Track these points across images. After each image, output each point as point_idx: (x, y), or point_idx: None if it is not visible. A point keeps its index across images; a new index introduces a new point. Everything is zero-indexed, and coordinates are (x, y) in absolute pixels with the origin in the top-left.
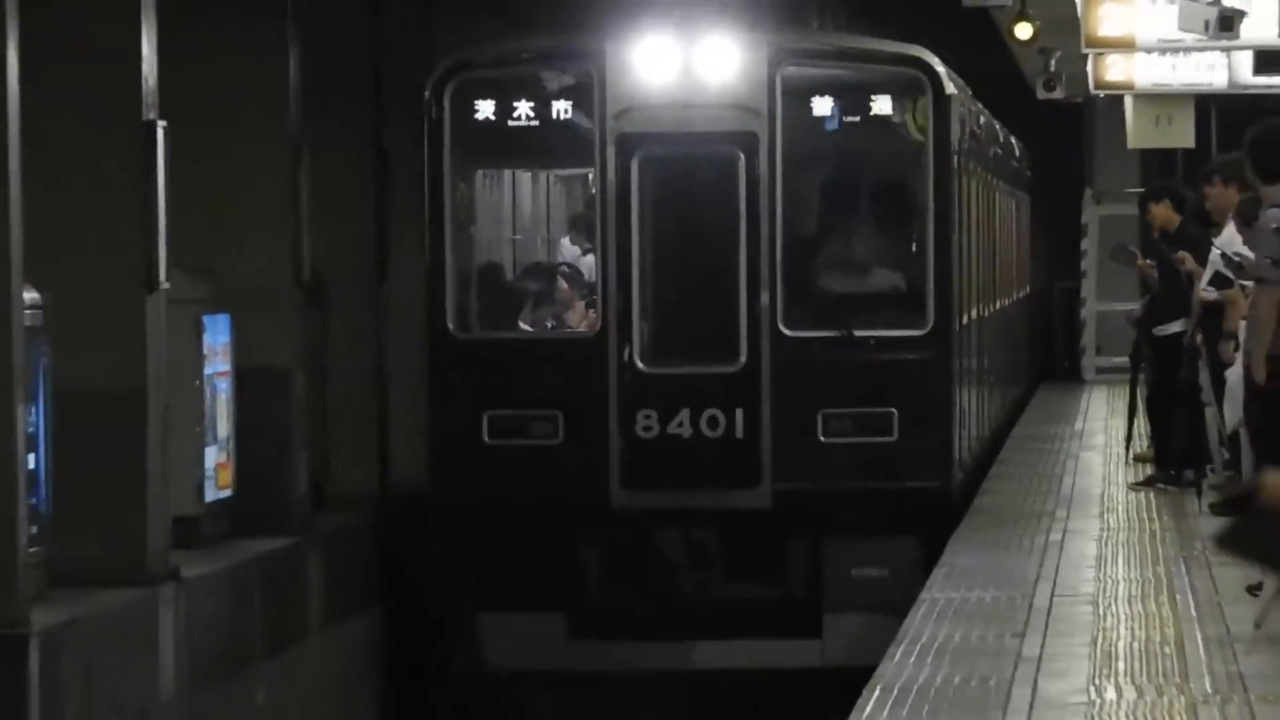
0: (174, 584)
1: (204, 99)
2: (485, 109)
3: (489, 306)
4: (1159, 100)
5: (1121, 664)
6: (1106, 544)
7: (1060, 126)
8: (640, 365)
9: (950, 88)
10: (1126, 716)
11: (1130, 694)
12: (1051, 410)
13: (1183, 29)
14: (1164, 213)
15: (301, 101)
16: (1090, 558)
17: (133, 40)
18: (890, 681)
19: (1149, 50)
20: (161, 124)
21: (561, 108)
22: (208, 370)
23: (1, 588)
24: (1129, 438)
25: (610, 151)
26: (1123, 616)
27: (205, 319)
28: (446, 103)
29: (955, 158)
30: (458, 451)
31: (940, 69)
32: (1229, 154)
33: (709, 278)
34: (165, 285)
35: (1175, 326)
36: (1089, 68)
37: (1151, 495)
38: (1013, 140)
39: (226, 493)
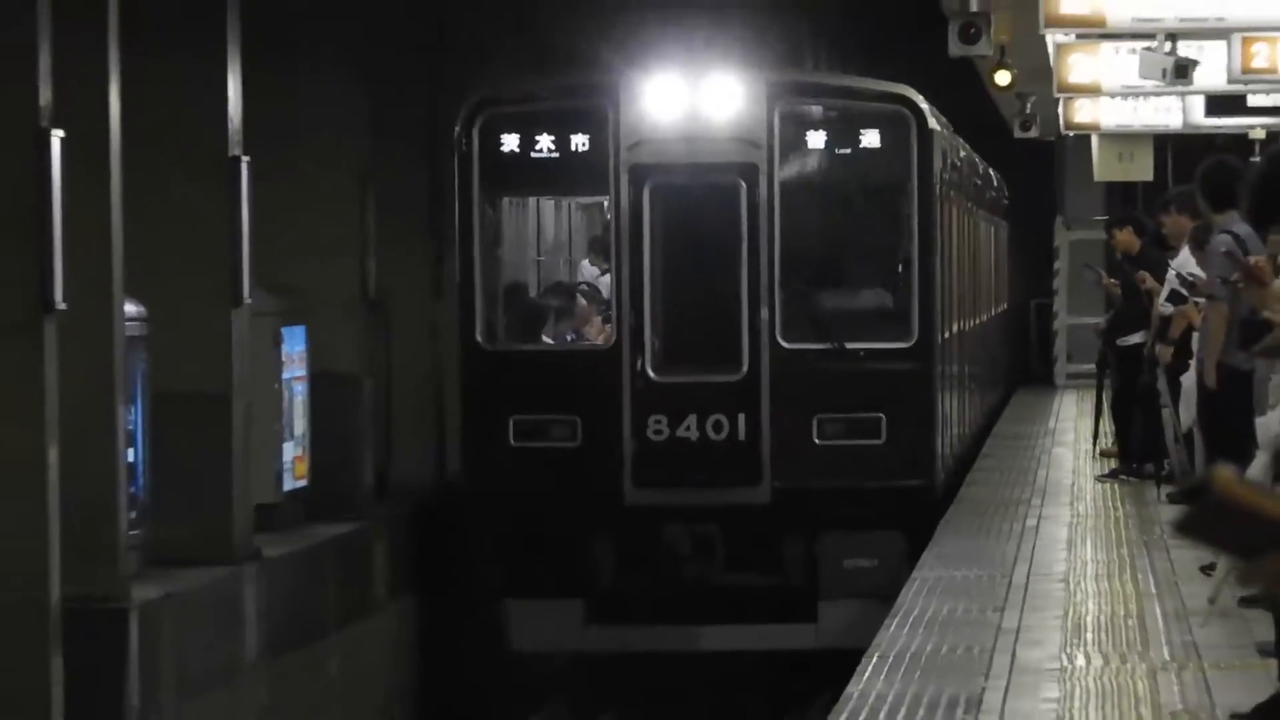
0: (256, 563)
1: (285, 133)
2: (510, 142)
3: (514, 321)
4: (1122, 139)
5: (1090, 635)
6: (1076, 529)
7: (1035, 162)
8: (651, 374)
9: (933, 123)
10: (1094, 681)
11: (1098, 661)
12: (1027, 411)
13: (1143, 76)
14: (1126, 237)
15: (368, 135)
16: (1062, 541)
17: (220, 83)
18: (886, 650)
19: (1113, 95)
20: (245, 159)
21: (579, 140)
22: (286, 375)
23: (105, 567)
24: (1095, 435)
25: (624, 180)
26: (1091, 593)
27: (284, 330)
28: (475, 136)
29: (938, 186)
30: (486, 452)
31: (924, 106)
32: (1183, 186)
33: (713, 295)
34: (249, 300)
35: (1135, 338)
36: (1060, 110)
37: (1115, 486)
38: (991, 172)
39: (302, 483)
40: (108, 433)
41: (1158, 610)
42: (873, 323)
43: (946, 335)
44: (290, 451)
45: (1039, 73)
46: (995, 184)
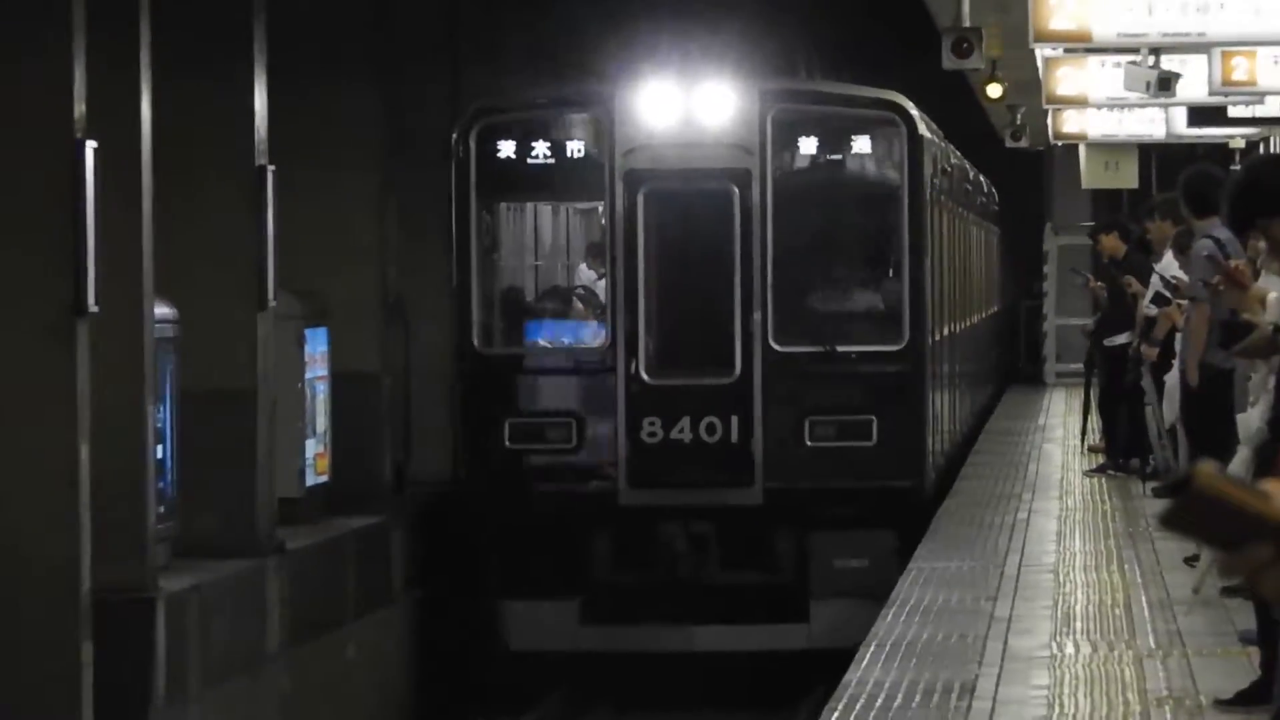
0: (279, 555)
1: (309, 144)
2: (507, 148)
3: (510, 325)
4: (1108, 148)
5: (1079, 623)
6: (1065, 522)
7: (1024, 170)
8: (645, 377)
9: (923, 129)
10: (1083, 668)
11: (1086, 649)
12: (1017, 409)
13: (1128, 89)
14: (1112, 242)
15: (388, 143)
16: (1051, 533)
17: (247, 94)
18: (884, 638)
19: (1099, 106)
20: (270, 168)
21: (575, 147)
22: (309, 375)
23: (134, 558)
24: (1084, 432)
25: (619, 186)
26: (1079, 583)
27: (307, 332)
28: (472, 143)
29: (928, 191)
30: (482, 454)
31: (914, 112)
32: (1166, 193)
33: (707, 298)
34: (273, 304)
35: (1121, 338)
36: (1049, 121)
37: (1103, 481)
38: (981, 178)
39: (324, 478)
40: (138, 430)
41: (1144, 600)
42: (864, 326)
43: (937, 338)
44: (312, 448)
45: (1028, 85)
46: (986, 190)
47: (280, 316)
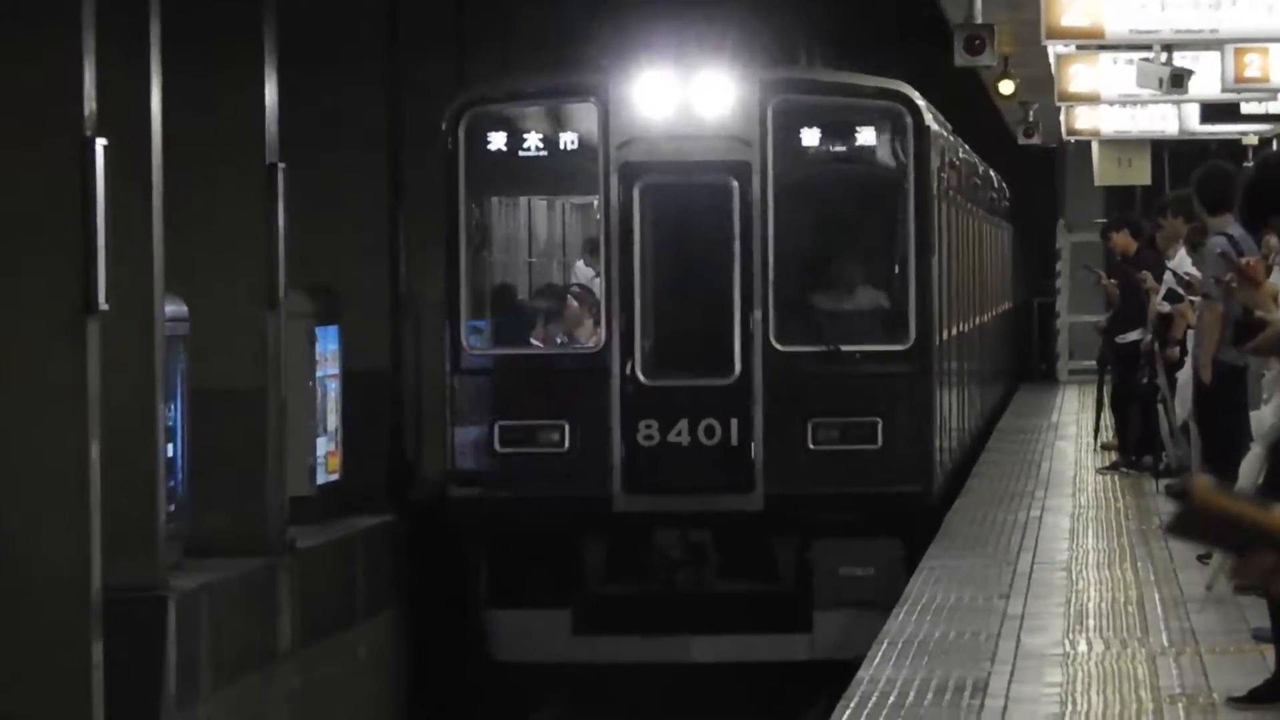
0: (290, 554)
1: (317, 140)
2: (497, 140)
3: (502, 324)
4: (1120, 145)
5: (1091, 621)
6: (1078, 519)
7: (1037, 167)
8: (642, 378)
9: (930, 120)
10: (1096, 666)
11: (1099, 646)
12: (1030, 407)
13: (1140, 85)
14: (1123, 240)
15: (396, 142)
16: (1064, 531)
17: (258, 92)
18: (895, 636)
19: (1112, 103)
20: (281, 166)
21: (568, 139)
22: (319, 373)
23: (144, 557)
24: (1096, 429)
25: (614, 180)
26: (1092, 580)
27: (318, 330)
28: (461, 135)
29: (935, 185)
30: (471, 459)
31: (920, 103)
32: (1179, 190)
33: (705, 296)
34: (284, 301)
35: (1133, 335)
36: (1061, 118)
37: (1116, 478)
38: (992, 174)
39: (335, 476)
40: (148, 429)
41: (1156, 597)
42: (869, 325)
43: (945, 337)
44: (324, 447)
45: (1041, 82)
46: (996, 185)
47: (291, 314)
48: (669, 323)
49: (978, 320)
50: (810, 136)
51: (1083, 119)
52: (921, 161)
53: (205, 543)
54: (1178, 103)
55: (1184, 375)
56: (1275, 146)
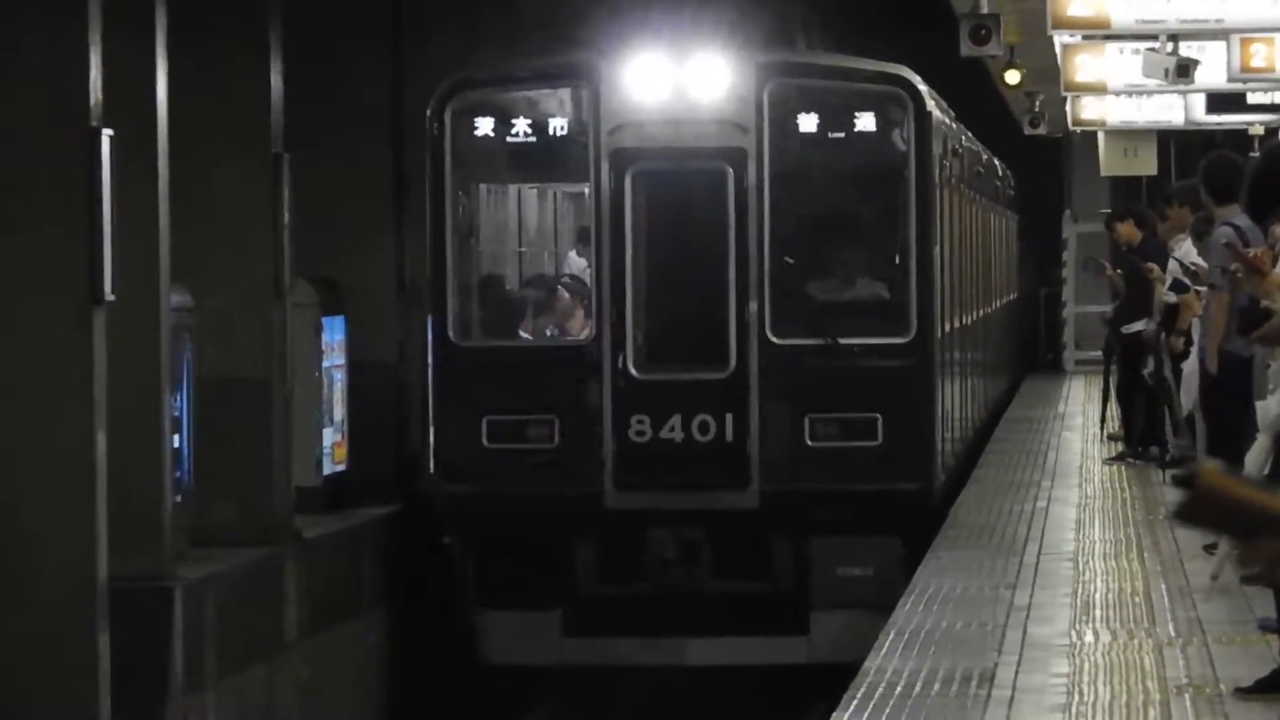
0: (296, 544)
1: (326, 135)
2: (484, 126)
3: (490, 315)
4: (1126, 135)
5: (1098, 611)
6: (1084, 509)
7: (1043, 157)
8: (634, 372)
9: (931, 105)
10: (1103, 656)
11: (1106, 637)
12: (1037, 397)
13: (1146, 75)
14: (1127, 230)
15: (401, 133)
16: (1071, 521)
17: (264, 82)
18: (903, 626)
19: (1118, 93)
20: (286, 156)
21: (558, 125)
22: (326, 363)
23: (150, 547)
24: (1103, 419)
25: (605, 166)
26: (1099, 571)
27: (324, 320)
28: (447, 120)
29: (936, 173)
30: (458, 455)
31: (922, 87)
32: (1185, 180)
33: (699, 287)
34: (290, 291)
35: (1138, 325)
36: (1068, 108)
37: (1122, 469)
38: (996, 163)
39: (341, 467)
40: (155, 419)
41: (1163, 587)
42: (868, 317)
43: (947, 329)
44: (330, 437)
45: (1047, 72)
46: (1000, 174)
47: (297, 305)
48: (662, 314)
49: (982, 311)
50: (808, 122)
51: (1089, 109)
52: (923, 148)
53: (211, 533)
54: (1184, 93)
55: (1190, 366)
56: None
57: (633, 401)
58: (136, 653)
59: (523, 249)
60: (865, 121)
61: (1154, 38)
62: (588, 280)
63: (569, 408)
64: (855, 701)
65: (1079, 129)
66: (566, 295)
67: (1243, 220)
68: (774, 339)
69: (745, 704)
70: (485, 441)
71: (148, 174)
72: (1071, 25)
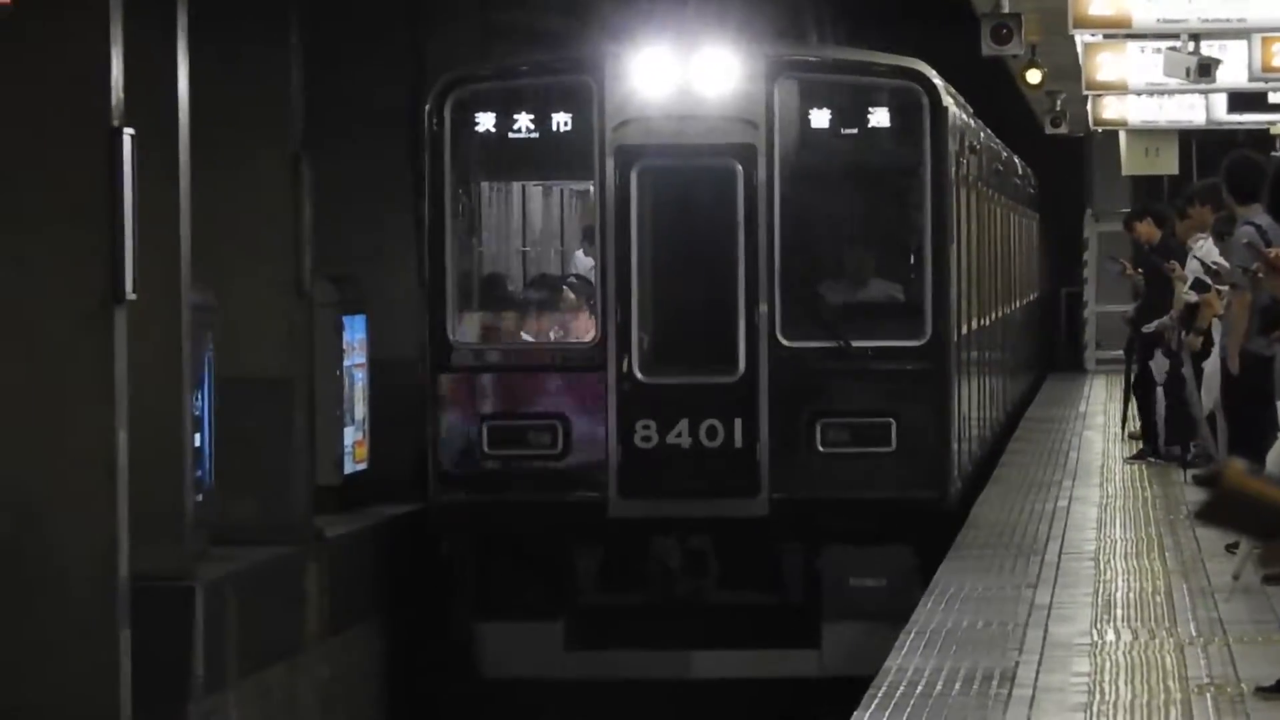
0: (317, 543)
1: (345, 132)
2: (485, 121)
3: (491, 316)
4: (1148, 134)
5: (1119, 611)
6: (1106, 509)
7: (1064, 157)
8: (639, 375)
9: (947, 100)
10: (1124, 656)
11: (1127, 636)
12: (1058, 396)
13: (1167, 74)
14: (1146, 229)
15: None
16: (1092, 520)
17: (284, 83)
18: (924, 625)
19: (1139, 92)
20: (305, 155)
21: (561, 120)
22: (347, 362)
23: (172, 546)
24: (1124, 419)
25: (609, 163)
26: (1120, 570)
27: (345, 319)
28: (447, 115)
29: (953, 170)
30: (457, 460)
31: (937, 81)
32: (1207, 179)
33: (707, 288)
34: (310, 290)
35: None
36: (1089, 107)
37: (1143, 468)
38: (1016, 160)
39: (362, 466)
40: (175, 418)
41: (1184, 587)
42: (882, 319)
43: (964, 331)
44: (351, 436)
45: (1068, 71)
46: (1020, 171)
47: (318, 303)
48: (668, 316)
49: (1001, 312)
50: (820, 118)
51: (1110, 108)
52: (939, 145)
53: (232, 531)
54: (1205, 92)
55: (1211, 365)
56: None
57: (638, 406)
58: (158, 651)
59: (527, 248)
60: (879, 117)
61: (1175, 37)
62: (594, 279)
63: (572, 413)
64: (875, 701)
65: (1100, 128)
66: (571, 296)
67: (1264, 219)
68: (784, 341)
69: None
70: (485, 447)
71: (168, 173)
72: (1093, 24)
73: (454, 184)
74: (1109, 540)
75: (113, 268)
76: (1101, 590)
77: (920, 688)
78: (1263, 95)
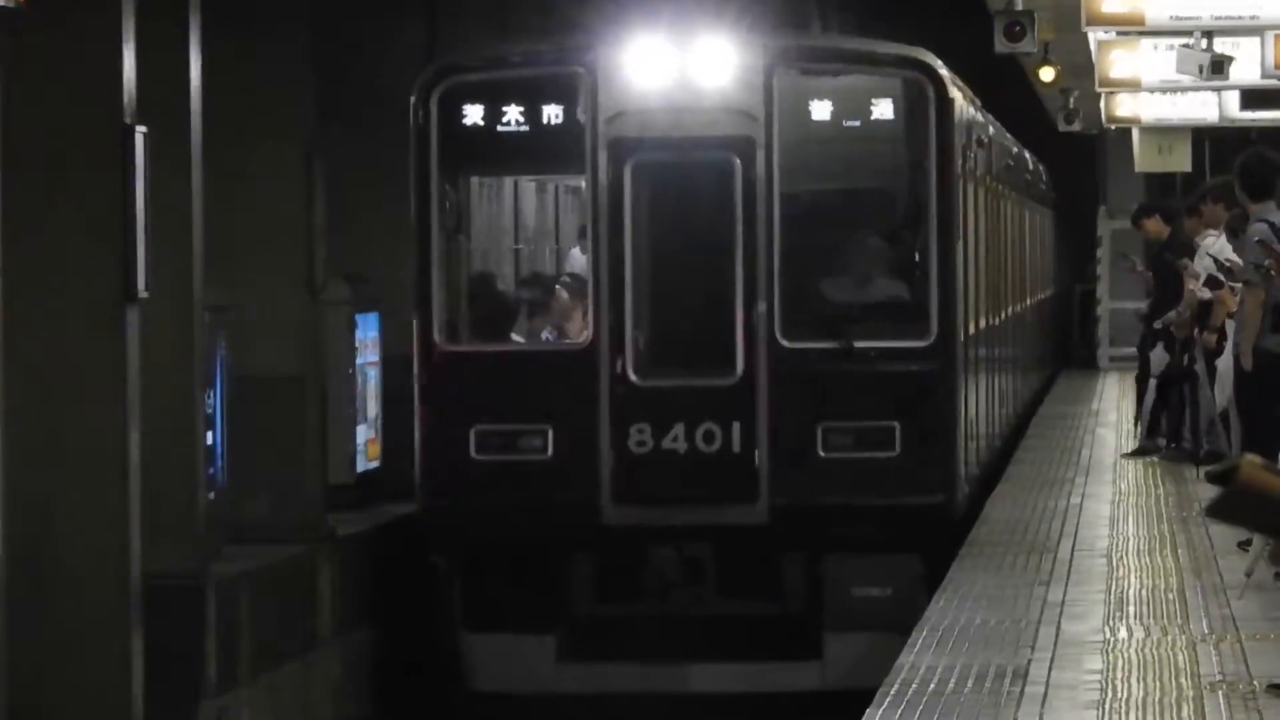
0: (330, 542)
1: (359, 130)
2: (473, 114)
3: (480, 317)
4: (1161, 132)
5: (1132, 608)
6: (1118, 506)
7: (1078, 154)
8: (633, 377)
9: (954, 92)
10: (1136, 653)
11: (1139, 633)
12: (1071, 393)
13: (1180, 72)
14: (1155, 225)
15: None
16: (1105, 517)
17: (298, 83)
18: (936, 623)
19: (1152, 90)
20: (318, 153)
21: (552, 112)
22: (359, 360)
23: (184, 545)
24: (1138, 416)
25: (602, 157)
26: (1132, 567)
27: (357, 317)
28: (434, 107)
29: (960, 164)
30: (445, 467)
31: (943, 72)
32: (1220, 177)
33: (704, 287)
34: (323, 289)
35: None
36: (1102, 105)
37: (1156, 465)
38: (1028, 155)
39: (375, 464)
40: (188, 417)
41: (1197, 584)
42: (886, 318)
43: (972, 330)
44: (364, 434)
45: (1082, 68)
46: (1032, 166)
47: (331, 302)
48: (664, 316)
49: (1013, 310)
50: (821, 109)
51: (1123, 105)
52: (945, 137)
53: (245, 530)
54: (1218, 89)
55: (1224, 362)
56: None
57: (633, 409)
58: (170, 649)
59: (519, 246)
60: (882, 109)
61: (1189, 34)
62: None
63: (564, 416)
64: (889, 698)
65: (1113, 125)
66: (565, 295)
67: (1277, 216)
68: (784, 342)
69: None
70: (474, 453)
71: (181, 171)
72: (1106, 21)
73: (441, 179)
74: (1121, 537)
75: (125, 266)
76: (1114, 587)
77: (933, 685)
78: (1276, 92)
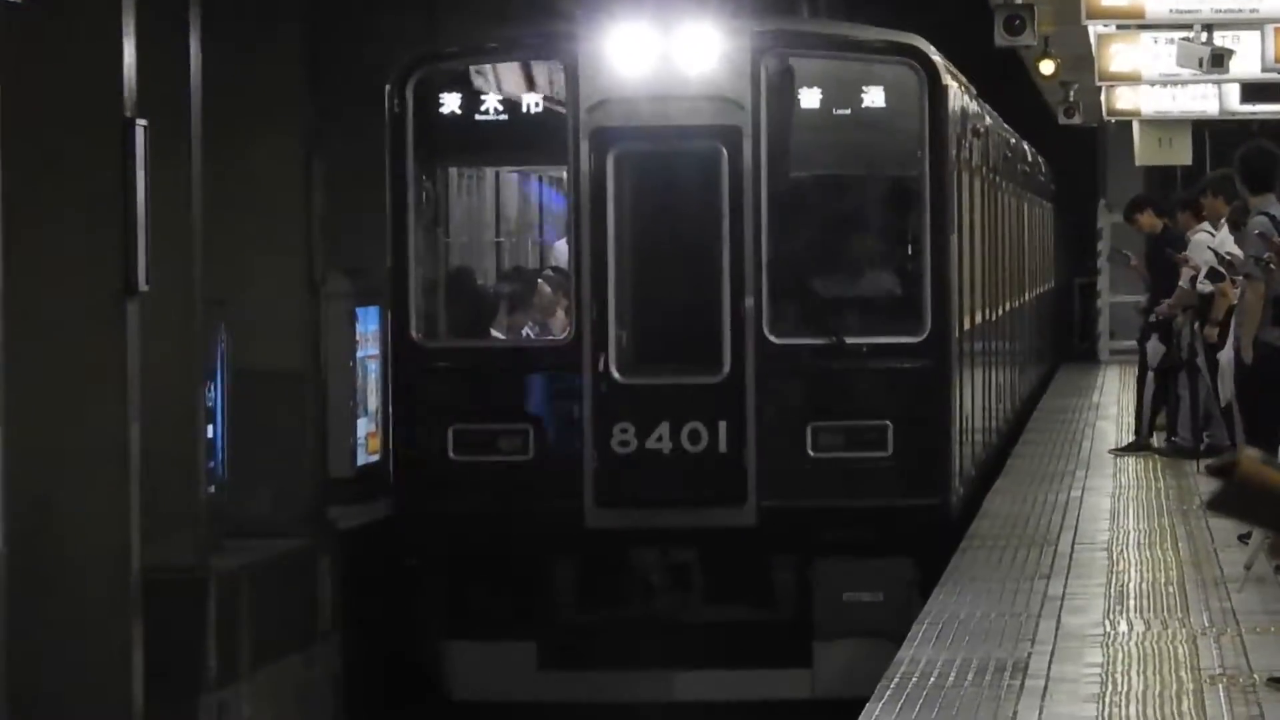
0: (331, 535)
1: (358, 123)
2: (451, 102)
3: (457, 312)
4: (1161, 125)
5: (1132, 601)
6: (1119, 499)
7: (1078, 147)
8: (616, 375)
9: (947, 79)
10: (1136, 646)
11: (1140, 626)
12: (1071, 387)
13: (1181, 65)
14: (1149, 219)
15: None
16: (1105, 511)
17: (294, 78)
18: (937, 615)
19: (1153, 83)
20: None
21: (532, 101)
22: (360, 354)
23: (185, 538)
24: (1138, 412)
25: (584, 147)
26: (1133, 561)
27: (358, 310)
28: (409, 96)
29: (954, 154)
30: (421, 468)
31: (936, 59)
32: (1221, 170)
33: (690, 281)
34: (323, 282)
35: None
36: (1102, 98)
37: (1156, 458)
38: (1026, 146)
39: (375, 457)
40: (189, 410)
41: (1197, 577)
42: (877, 313)
43: (968, 325)
44: (364, 428)
45: (1082, 61)
46: (1030, 158)
47: (331, 295)
48: (648, 312)
49: (1012, 304)
50: (810, 97)
51: (1123, 99)
52: (938, 127)
53: (246, 523)
54: (1218, 82)
55: (1225, 356)
56: None
57: (616, 408)
58: (170, 643)
59: (501, 239)
60: (874, 97)
61: (1189, 27)
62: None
63: (545, 416)
64: (889, 691)
65: (1114, 119)
66: (548, 290)
67: (1278, 209)
68: (772, 338)
69: None
70: (451, 453)
71: (181, 165)
72: (1106, 15)
73: (417, 170)
74: (1122, 531)
75: (126, 260)
76: (1114, 581)
77: (933, 678)
78: (1276, 85)
